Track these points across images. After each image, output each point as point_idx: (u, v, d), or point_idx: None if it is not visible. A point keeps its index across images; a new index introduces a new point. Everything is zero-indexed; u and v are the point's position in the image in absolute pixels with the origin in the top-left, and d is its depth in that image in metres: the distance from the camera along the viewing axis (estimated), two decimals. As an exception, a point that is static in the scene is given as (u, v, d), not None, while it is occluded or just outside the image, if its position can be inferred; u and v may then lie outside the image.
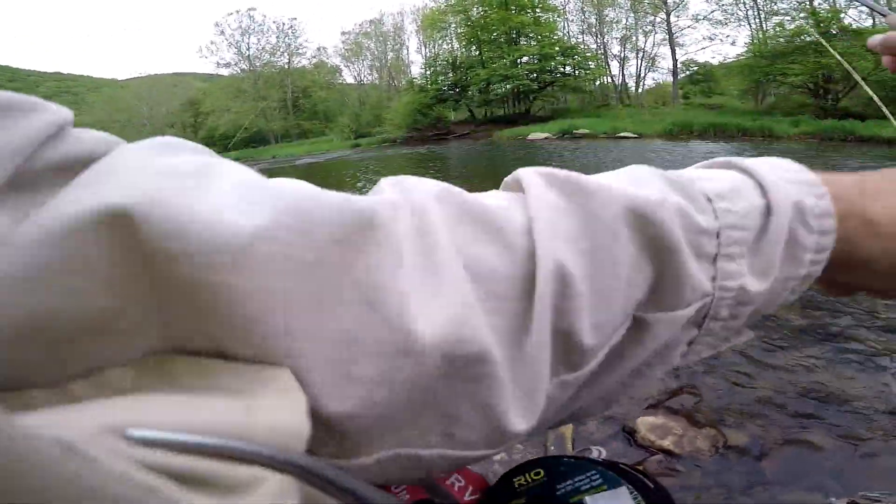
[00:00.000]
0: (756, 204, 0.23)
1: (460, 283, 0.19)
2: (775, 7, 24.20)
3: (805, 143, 14.95)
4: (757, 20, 25.68)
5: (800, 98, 21.93)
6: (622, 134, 18.66)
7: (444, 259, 0.19)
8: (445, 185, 0.24)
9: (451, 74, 30.67)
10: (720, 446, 1.92)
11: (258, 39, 44.07)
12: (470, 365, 0.19)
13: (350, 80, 48.74)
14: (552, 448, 1.89)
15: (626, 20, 30.26)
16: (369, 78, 47.42)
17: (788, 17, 22.42)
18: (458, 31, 30.79)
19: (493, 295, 0.20)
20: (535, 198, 0.22)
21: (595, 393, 0.25)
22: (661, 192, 0.22)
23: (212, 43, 57.69)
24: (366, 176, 13.56)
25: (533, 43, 26.70)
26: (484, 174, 11.60)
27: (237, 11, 43.02)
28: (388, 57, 44.17)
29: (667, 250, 0.22)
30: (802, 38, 19.71)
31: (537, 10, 27.48)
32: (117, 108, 51.94)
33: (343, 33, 45.35)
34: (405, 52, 44.37)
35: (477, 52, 29.08)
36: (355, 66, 47.12)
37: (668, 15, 27.20)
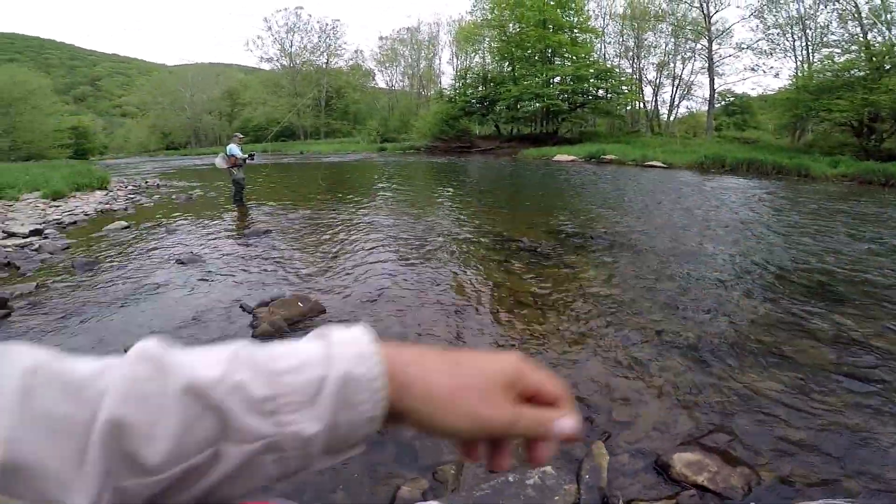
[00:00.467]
0: (315, 375, 0.34)
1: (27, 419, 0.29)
2: (825, 39, 23.46)
3: (842, 185, 14.32)
4: (804, 52, 24.92)
5: (841, 137, 21.11)
6: (650, 162, 18.24)
7: (12, 402, 0.29)
8: (46, 356, 0.33)
9: (480, 88, 30.80)
10: (753, 485, 1.95)
11: (301, 38, 45.20)
12: (21, 477, 0.28)
13: (382, 84, 49.48)
14: (587, 477, 1.91)
15: (666, 45, 29.88)
16: (400, 84, 48.05)
17: (838, 50, 21.65)
18: (493, 45, 31.03)
19: (55, 430, 0.29)
20: (120, 368, 0.33)
21: (196, 492, 0.33)
22: (225, 373, 0.33)
23: (258, 38, 59.54)
24: (383, 180, 13.66)
25: (567, 63, 26.53)
26: (499, 193, 11.43)
27: (286, 9, 44.32)
28: (421, 65, 44.76)
29: (218, 409, 0.32)
30: (852, 72, 18.91)
31: (575, 31, 27.35)
32: (163, 91, 53.88)
33: (381, 38, 46.29)
34: (437, 61, 45.08)
35: (510, 69, 29.14)
36: (388, 71, 47.88)
37: (711, 42, 26.64)
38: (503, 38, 28.82)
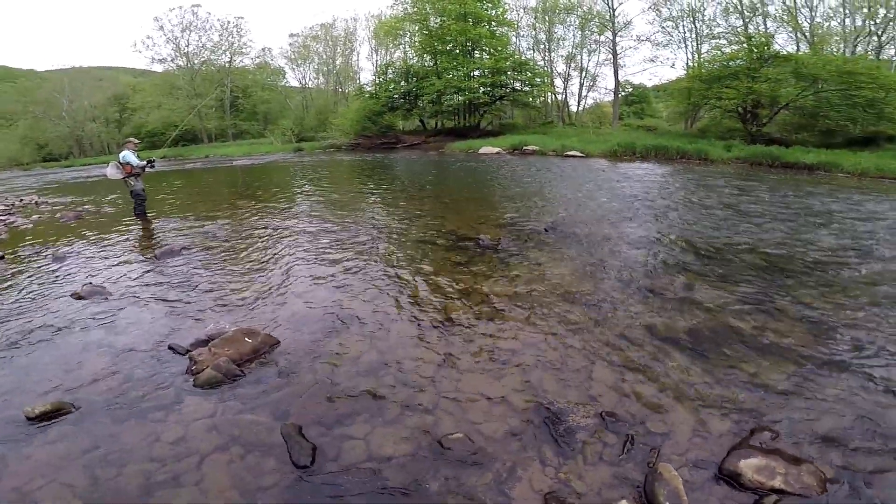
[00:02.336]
0: None
1: None
2: (713, 31, 25.82)
3: (737, 167, 15.84)
4: (695, 43, 27.32)
5: (729, 123, 23.45)
6: (570, 152, 18.96)
7: None
8: None
9: (403, 83, 30.24)
10: (825, 481, 1.93)
11: (199, 36, 41.53)
12: None
13: (294, 82, 47.10)
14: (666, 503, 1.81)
15: (574, 38, 31.37)
16: (315, 82, 46.07)
17: (725, 42, 23.95)
18: (415, 39, 30.60)
19: None
20: None
21: None
22: None
23: (148, 37, 53.73)
24: (306, 181, 12.64)
25: (486, 56, 26.88)
26: (439, 188, 11.08)
27: (180, 7, 40.41)
28: (337, 62, 43.13)
29: None
30: (737, 63, 20.90)
31: (493, 24, 27.77)
32: (33, 99, 47.14)
33: (291, 35, 43.85)
34: (355, 57, 43.52)
35: (432, 63, 28.96)
36: (301, 69, 45.60)
37: (615, 35, 28.39)
38: (425, 31, 28.49)
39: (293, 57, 44.86)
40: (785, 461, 2.01)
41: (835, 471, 2.01)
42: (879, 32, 21.73)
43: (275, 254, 5.34)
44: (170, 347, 3.05)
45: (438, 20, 27.50)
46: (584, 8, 29.35)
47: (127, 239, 6.49)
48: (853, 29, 22.56)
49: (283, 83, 46.82)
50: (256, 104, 43.72)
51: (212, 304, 3.83)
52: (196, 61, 42.10)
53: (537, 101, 30.74)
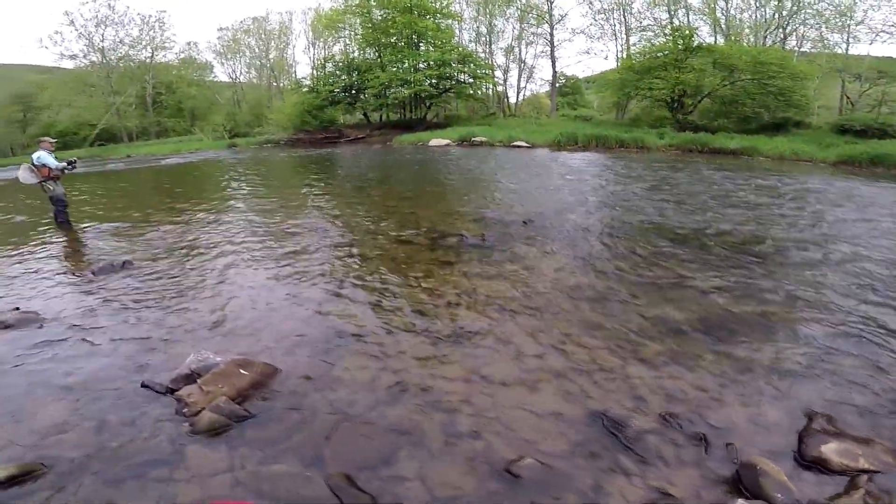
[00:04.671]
0: None
1: None
2: (642, 24, 27.15)
3: (670, 154, 16.84)
4: (625, 36, 28.61)
5: (659, 112, 24.86)
6: (516, 143, 19.29)
7: None
8: None
9: (345, 77, 29.39)
10: (892, 456, 2.04)
11: (116, 31, 37.91)
12: None
13: (224, 77, 44.42)
14: (779, 496, 1.81)
15: (513, 30, 31.92)
16: (247, 76, 43.73)
17: (651, 34, 25.28)
18: (357, 32, 29.75)
19: None
20: None
21: None
22: None
23: (57, 33, 48.38)
24: (249, 178, 11.85)
25: (432, 49, 26.67)
26: (390, 182, 10.83)
27: (94, 0, 36.55)
28: (271, 56, 41.14)
29: None
30: (665, 54, 22.12)
31: (437, 16, 27.58)
32: (-86, 99, 41.07)
33: (220, 29, 41.36)
34: (290, 51, 41.71)
35: (376, 55, 28.31)
36: (231, 63, 43.06)
37: (552, 27, 29.18)
38: (369, 24, 27.76)
39: (222, 51, 42.35)
40: (856, 442, 2.12)
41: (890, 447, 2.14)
42: (784, 25, 23.79)
43: (235, 263, 4.92)
44: (144, 385, 2.61)
45: (382, 13, 26.91)
46: (524, 0, 29.90)
47: (52, 254, 5.75)
48: (763, 21, 24.53)
49: (211, 78, 43.99)
50: (182, 100, 40.78)
51: (178, 329, 3.37)
52: (113, 57, 38.53)
53: (479, 93, 31.02)
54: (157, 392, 2.56)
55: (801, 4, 22.74)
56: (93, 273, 4.63)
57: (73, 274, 4.81)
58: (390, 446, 2.18)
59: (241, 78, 43.75)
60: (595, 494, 1.92)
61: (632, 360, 2.87)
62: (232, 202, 8.84)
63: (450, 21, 28.71)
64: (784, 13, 23.32)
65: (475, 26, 32.67)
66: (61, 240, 6.44)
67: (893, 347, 2.98)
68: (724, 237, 5.55)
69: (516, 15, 30.41)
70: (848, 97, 22.36)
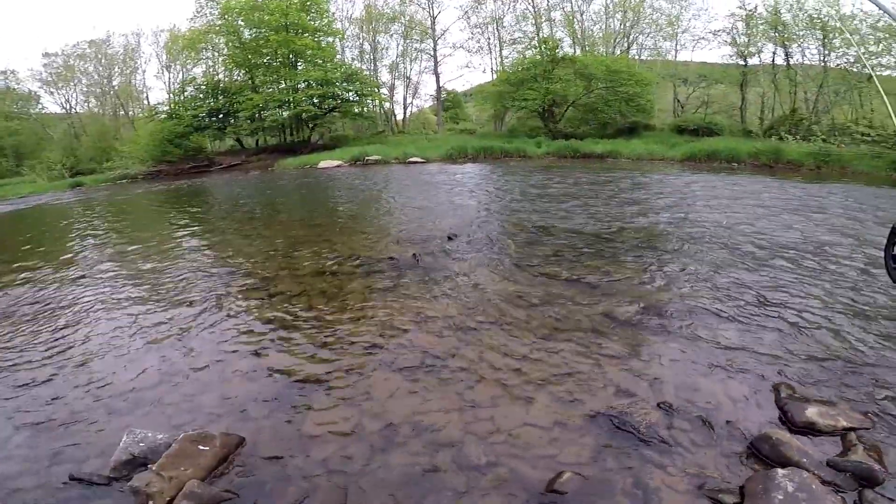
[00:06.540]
0: None
1: None
2: (513, 37, 29.25)
3: (548, 160, 18.34)
4: (498, 49, 30.59)
5: (532, 122, 26.98)
6: (412, 159, 19.43)
7: None
8: None
9: (211, 100, 26.84)
10: (866, 415, 2.27)
11: None
12: None
13: (56, 108, 37.76)
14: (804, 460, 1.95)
15: (398, 47, 32.25)
16: (84, 106, 37.68)
17: (521, 47, 27.40)
18: (223, 53, 27.51)
19: None
20: None
21: None
22: None
23: None
24: (109, 221, 10.06)
25: (312, 68, 25.58)
26: (287, 212, 10.04)
27: None
28: (115, 82, 36.00)
29: None
30: (536, 67, 24.06)
31: (318, 34, 26.59)
32: None
33: (47, 55, 34.98)
34: (140, 76, 36.95)
35: (248, 77, 26.38)
36: (63, 92, 36.76)
37: (435, 43, 30.12)
38: (237, 45, 25.79)
39: (51, 80, 35.97)
40: (824, 405, 2.33)
41: (861, 405, 2.40)
42: (628, 34, 27.54)
43: (127, 323, 4.18)
44: (74, 479, 2.09)
45: (253, 32, 25.22)
46: (407, 17, 30.46)
47: None
48: (612, 32, 28.09)
49: (38, 109, 37.17)
50: (1, 137, 33.90)
51: (80, 405, 2.76)
52: None
53: (365, 111, 30.68)
54: (94, 483, 2.09)
55: (640, 15, 26.57)
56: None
57: None
58: (414, 497, 1.98)
59: (78, 108, 37.61)
60: (643, 493, 1.92)
61: (600, 357, 3.01)
62: (92, 253, 7.45)
63: (331, 38, 27.93)
64: (628, 24, 27.02)
65: (358, 43, 32.41)
66: None
67: (806, 315, 3.45)
68: (634, 232, 6.11)
69: (401, 31, 30.85)
70: (679, 100, 26.59)
